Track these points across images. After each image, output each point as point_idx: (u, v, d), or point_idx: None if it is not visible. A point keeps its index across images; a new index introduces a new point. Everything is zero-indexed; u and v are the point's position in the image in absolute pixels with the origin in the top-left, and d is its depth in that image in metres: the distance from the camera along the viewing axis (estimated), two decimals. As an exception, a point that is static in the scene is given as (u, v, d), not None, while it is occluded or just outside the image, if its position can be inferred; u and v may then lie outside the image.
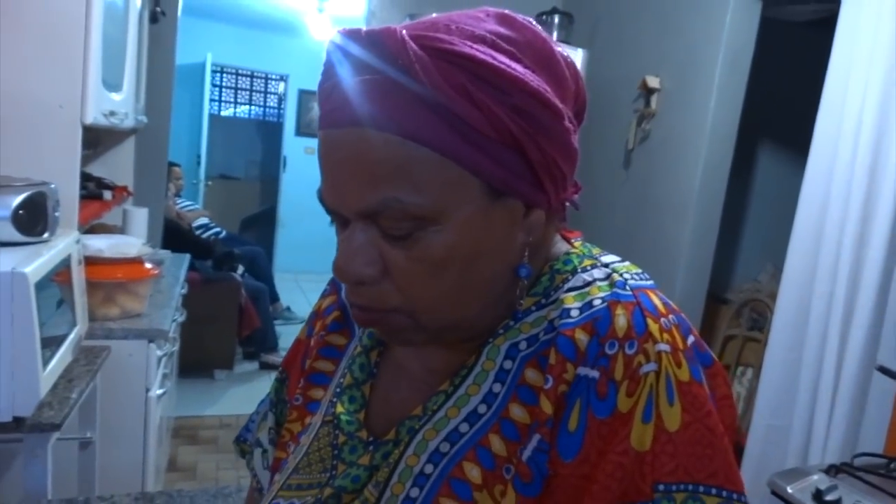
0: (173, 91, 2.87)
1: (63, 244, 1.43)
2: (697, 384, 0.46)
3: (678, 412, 0.45)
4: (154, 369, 1.88)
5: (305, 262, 6.41)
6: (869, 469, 1.27)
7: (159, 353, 1.90)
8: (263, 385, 3.76)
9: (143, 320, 1.90)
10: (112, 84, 1.89)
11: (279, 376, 0.69)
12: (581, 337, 0.47)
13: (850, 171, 1.96)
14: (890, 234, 1.88)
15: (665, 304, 0.49)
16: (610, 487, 0.43)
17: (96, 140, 2.50)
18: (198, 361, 3.53)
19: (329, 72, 0.47)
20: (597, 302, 0.48)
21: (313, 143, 5.56)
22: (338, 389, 0.58)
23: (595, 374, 0.45)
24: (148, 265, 1.97)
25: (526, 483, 0.45)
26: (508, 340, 0.51)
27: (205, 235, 4.39)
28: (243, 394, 3.65)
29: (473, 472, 0.47)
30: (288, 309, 4.77)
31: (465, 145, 0.44)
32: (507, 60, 0.44)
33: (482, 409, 0.49)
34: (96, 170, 2.52)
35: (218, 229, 4.63)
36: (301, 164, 6.45)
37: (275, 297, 4.62)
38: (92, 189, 2.18)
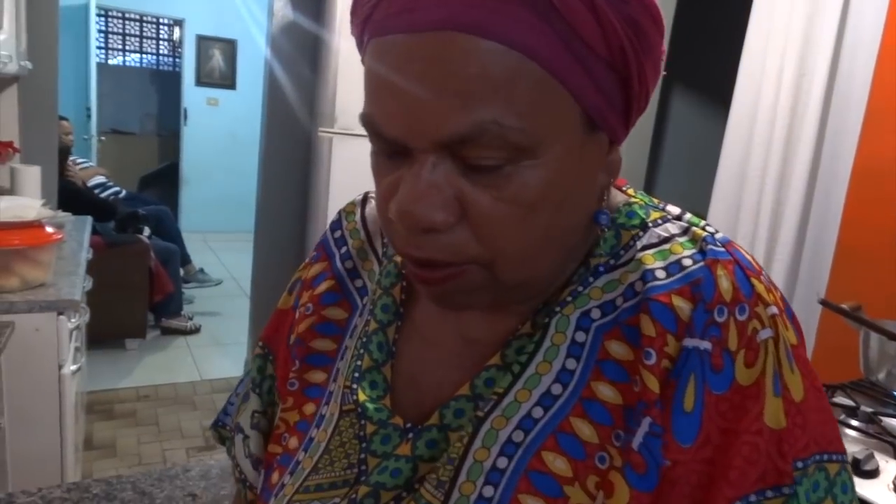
0: (59, 32, 2.55)
1: (-51, 208, 1.24)
2: (802, 345, 0.42)
3: (799, 380, 0.40)
4: (66, 343, 1.70)
5: (214, 222, 6.11)
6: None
7: (70, 325, 1.73)
8: (179, 353, 3.58)
9: (49, 290, 1.71)
10: (-10, 22, 1.64)
11: (260, 352, 0.60)
12: (681, 304, 0.40)
13: (773, 112, 2.02)
14: (808, 173, 1.96)
15: (753, 258, 0.44)
16: (748, 472, 0.38)
17: (-30, 90, 2.20)
18: (107, 331, 3.28)
19: None
20: (687, 262, 0.42)
21: (215, 93, 5.16)
22: (356, 374, 0.50)
23: (707, 345, 0.39)
24: (49, 229, 1.76)
25: (641, 475, 0.38)
26: (579, 309, 0.44)
27: (103, 195, 4.05)
28: (159, 362, 3.44)
29: (558, 464, 0.41)
30: (201, 271, 4.52)
31: (575, 63, 0.36)
32: None
33: (556, 389, 0.42)
34: (-28, 124, 2.22)
35: (117, 188, 4.29)
36: (203, 117, 6.05)
37: (186, 259, 4.36)
38: (-29, 146, 1.92)
